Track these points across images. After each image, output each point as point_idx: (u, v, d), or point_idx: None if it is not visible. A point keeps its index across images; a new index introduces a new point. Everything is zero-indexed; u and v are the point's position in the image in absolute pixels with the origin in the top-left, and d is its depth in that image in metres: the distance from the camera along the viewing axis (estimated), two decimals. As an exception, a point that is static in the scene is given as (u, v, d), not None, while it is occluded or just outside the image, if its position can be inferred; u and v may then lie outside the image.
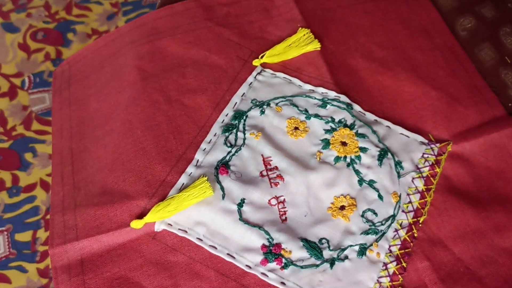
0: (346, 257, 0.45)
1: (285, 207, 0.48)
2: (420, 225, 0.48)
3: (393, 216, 0.48)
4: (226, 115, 0.53)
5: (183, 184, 0.49)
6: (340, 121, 0.53)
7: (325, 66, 0.57)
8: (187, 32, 0.60)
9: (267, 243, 0.45)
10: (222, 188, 0.48)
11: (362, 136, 0.52)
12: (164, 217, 0.46)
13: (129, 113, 0.54)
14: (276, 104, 0.54)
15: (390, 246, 0.46)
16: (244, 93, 0.55)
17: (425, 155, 0.51)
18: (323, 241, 0.46)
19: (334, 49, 0.59)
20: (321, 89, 0.55)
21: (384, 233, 0.47)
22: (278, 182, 0.49)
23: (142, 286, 0.44)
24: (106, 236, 0.46)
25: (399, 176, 0.50)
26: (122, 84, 0.58)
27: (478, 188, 0.51)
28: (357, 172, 0.50)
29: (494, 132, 0.53)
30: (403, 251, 0.46)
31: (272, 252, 0.45)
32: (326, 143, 0.51)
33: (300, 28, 0.59)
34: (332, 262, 0.45)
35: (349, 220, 0.47)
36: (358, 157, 0.50)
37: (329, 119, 0.53)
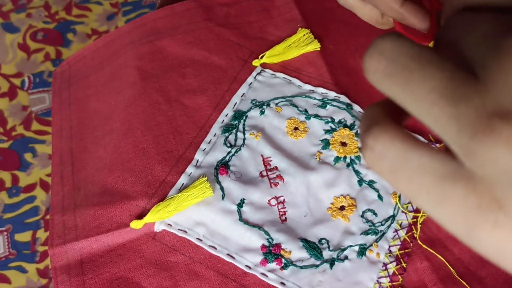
0: (346, 258, 0.45)
1: (285, 207, 0.48)
2: (420, 226, 0.48)
3: (393, 217, 0.48)
4: (226, 115, 0.53)
5: (183, 184, 0.49)
6: (340, 122, 0.53)
7: (325, 66, 0.57)
8: (187, 32, 0.60)
9: (267, 244, 0.45)
10: (222, 188, 0.48)
11: (362, 136, 0.51)
12: (164, 217, 0.46)
13: (129, 113, 0.54)
14: (276, 104, 0.54)
15: (390, 246, 0.46)
16: (244, 93, 0.55)
17: (425, 156, 0.51)
18: (323, 241, 0.46)
19: (334, 49, 0.59)
20: (321, 89, 0.55)
21: (384, 233, 0.47)
22: (278, 183, 0.49)
23: (141, 287, 0.44)
24: (105, 236, 0.46)
25: (399, 176, 0.50)
26: (122, 84, 0.58)
27: (478, 188, 0.50)
28: (357, 172, 0.50)
29: (494, 133, 0.53)
30: (403, 251, 0.46)
31: (271, 252, 0.45)
32: (326, 144, 0.51)
33: (300, 28, 0.59)
34: (332, 262, 0.45)
35: (349, 220, 0.47)
36: (358, 158, 0.50)
37: (329, 120, 0.53)
